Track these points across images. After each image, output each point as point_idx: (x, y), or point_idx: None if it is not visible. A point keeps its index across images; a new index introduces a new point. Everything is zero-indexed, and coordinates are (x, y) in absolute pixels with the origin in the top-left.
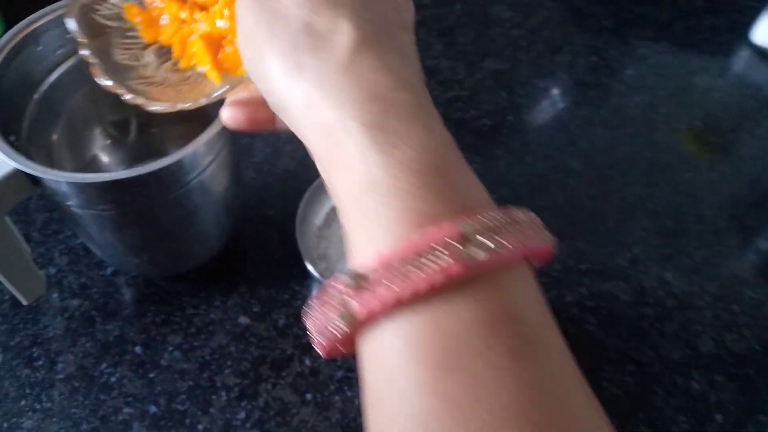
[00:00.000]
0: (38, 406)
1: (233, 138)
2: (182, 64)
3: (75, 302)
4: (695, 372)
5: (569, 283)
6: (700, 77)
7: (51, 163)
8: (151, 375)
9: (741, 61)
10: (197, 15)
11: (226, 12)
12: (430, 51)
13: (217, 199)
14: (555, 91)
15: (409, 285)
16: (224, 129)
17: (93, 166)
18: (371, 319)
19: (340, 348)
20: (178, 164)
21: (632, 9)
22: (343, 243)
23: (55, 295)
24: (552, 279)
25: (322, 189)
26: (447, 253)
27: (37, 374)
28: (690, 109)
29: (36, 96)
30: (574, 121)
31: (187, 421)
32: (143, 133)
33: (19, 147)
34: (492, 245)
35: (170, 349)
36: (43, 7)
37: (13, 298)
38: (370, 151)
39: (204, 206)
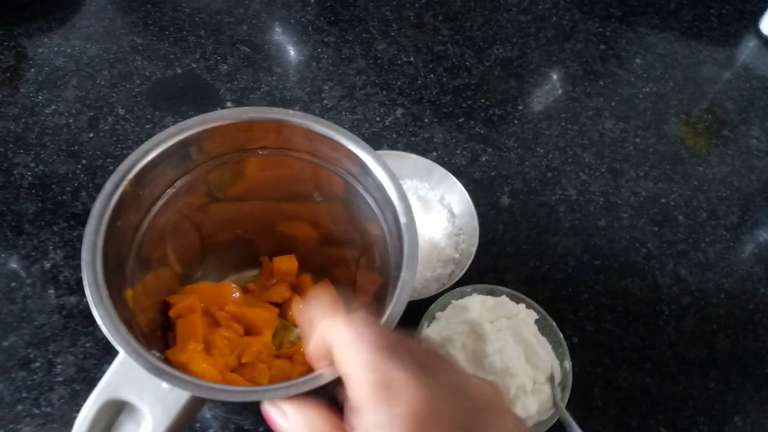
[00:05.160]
0: (37, 411)
1: None
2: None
3: (73, 299)
4: (713, 371)
5: (585, 280)
6: (708, 68)
7: None
8: None
9: (748, 50)
10: None
11: None
12: (437, 36)
13: None
14: (565, 81)
15: None
16: None
17: None
18: None
19: None
20: None
21: None
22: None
23: (51, 291)
24: (567, 275)
25: None
26: None
27: (35, 377)
28: (699, 101)
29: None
30: (585, 112)
31: (197, 425)
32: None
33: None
34: None
35: None
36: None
37: (4, 296)
38: None
39: None
